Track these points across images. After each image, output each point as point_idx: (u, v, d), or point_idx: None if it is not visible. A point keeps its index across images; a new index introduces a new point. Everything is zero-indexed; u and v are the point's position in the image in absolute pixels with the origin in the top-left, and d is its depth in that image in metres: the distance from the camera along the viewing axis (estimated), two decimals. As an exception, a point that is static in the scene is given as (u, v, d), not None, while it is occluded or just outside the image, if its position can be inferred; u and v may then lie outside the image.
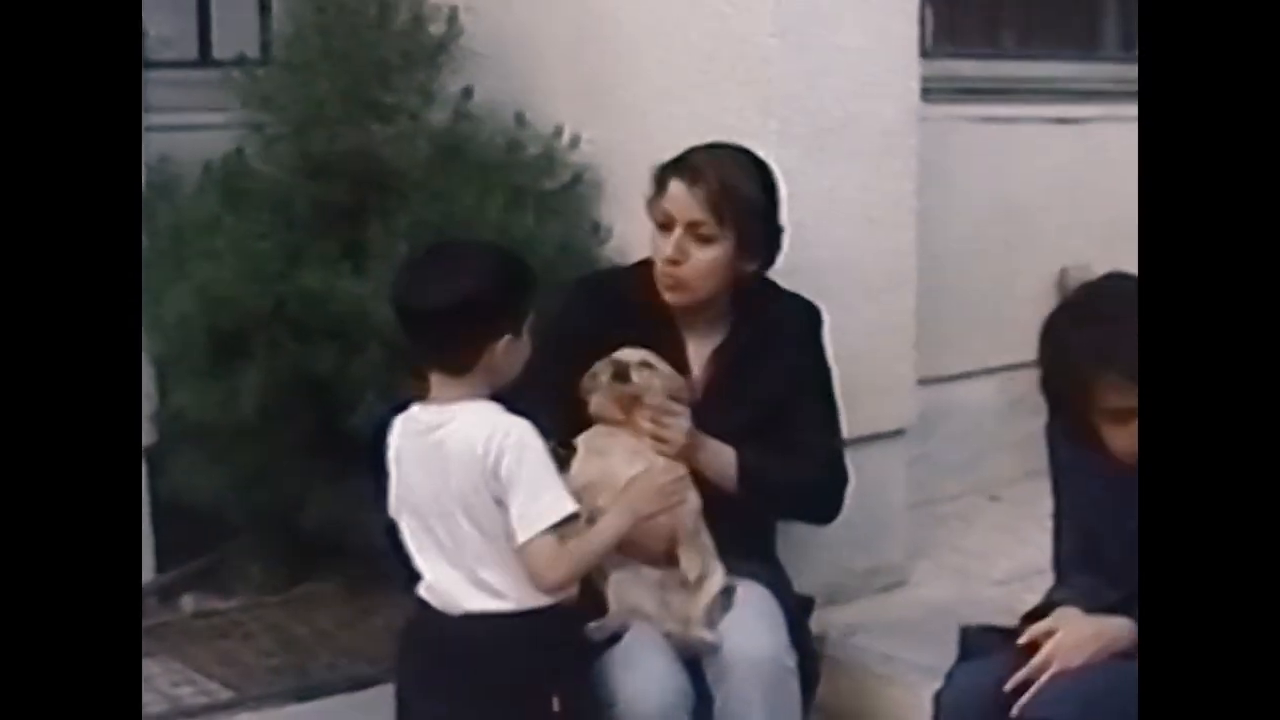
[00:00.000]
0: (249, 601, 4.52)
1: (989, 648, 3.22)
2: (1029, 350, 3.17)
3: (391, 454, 3.13)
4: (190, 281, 4.14)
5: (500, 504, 3.01)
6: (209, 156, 4.48)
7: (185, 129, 4.52)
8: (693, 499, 3.41)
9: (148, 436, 4.43)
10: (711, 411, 3.57)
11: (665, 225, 3.63)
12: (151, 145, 4.22)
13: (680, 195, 3.61)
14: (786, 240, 3.76)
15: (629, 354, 3.46)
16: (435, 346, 3.07)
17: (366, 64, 4.35)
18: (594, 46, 4.47)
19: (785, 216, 3.77)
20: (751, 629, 3.41)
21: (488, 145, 4.45)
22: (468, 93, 4.49)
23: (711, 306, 3.70)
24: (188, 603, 4.53)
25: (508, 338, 3.05)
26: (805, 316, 3.80)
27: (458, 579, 3.07)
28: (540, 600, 3.07)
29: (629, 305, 3.68)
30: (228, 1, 4.94)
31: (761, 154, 3.75)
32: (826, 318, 3.81)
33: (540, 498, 3.01)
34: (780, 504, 3.70)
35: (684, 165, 3.64)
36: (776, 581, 3.63)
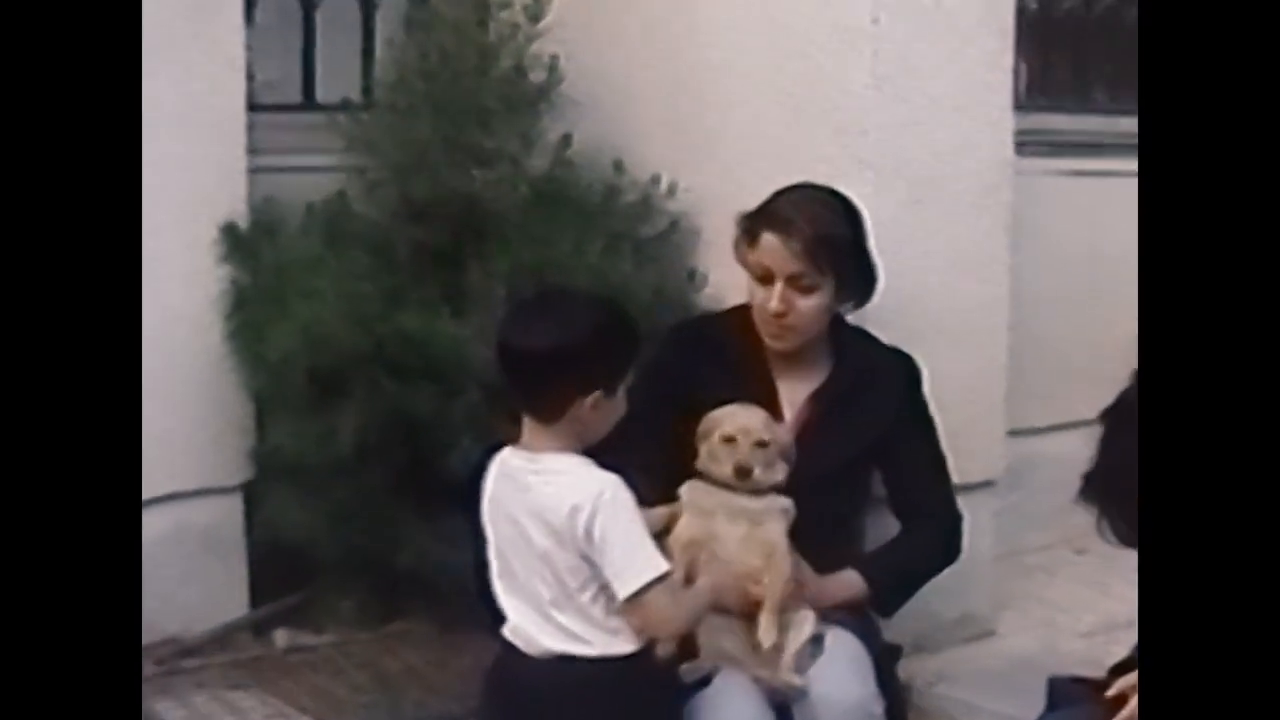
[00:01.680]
0: (341, 638, 4.54)
1: (1076, 698, 3.22)
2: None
3: (486, 495, 3.15)
4: (292, 321, 4.19)
5: (586, 560, 3.00)
6: (312, 198, 4.53)
7: (289, 170, 4.57)
8: (783, 567, 3.44)
9: (245, 473, 4.52)
10: (808, 454, 3.59)
11: (764, 278, 3.68)
12: (257, 187, 4.45)
13: (776, 248, 3.65)
14: (884, 290, 3.81)
15: (748, 423, 3.50)
16: (526, 391, 3.06)
17: (468, 109, 4.40)
18: (690, 94, 4.51)
19: (880, 267, 3.79)
20: (840, 676, 3.44)
21: (586, 191, 4.50)
22: (567, 140, 4.54)
23: (808, 350, 3.75)
24: (281, 637, 4.56)
25: (598, 394, 3.03)
26: (904, 365, 3.85)
27: (538, 621, 3.07)
28: (624, 647, 3.07)
29: (723, 350, 3.74)
30: (332, 46, 4.97)
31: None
32: (925, 369, 3.83)
33: (636, 556, 3.01)
34: (916, 582, 3.80)
35: (775, 216, 3.68)
36: (865, 629, 3.66)
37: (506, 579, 3.12)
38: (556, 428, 3.04)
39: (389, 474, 4.32)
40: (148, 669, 4.17)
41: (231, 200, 4.45)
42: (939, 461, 3.86)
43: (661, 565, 3.03)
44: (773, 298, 3.65)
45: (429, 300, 4.26)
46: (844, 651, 3.51)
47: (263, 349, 4.27)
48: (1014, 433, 4.66)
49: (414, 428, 4.23)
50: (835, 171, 4.09)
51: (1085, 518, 5.22)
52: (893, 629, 3.83)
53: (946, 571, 4.10)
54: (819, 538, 3.57)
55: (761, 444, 3.47)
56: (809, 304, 3.67)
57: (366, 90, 4.86)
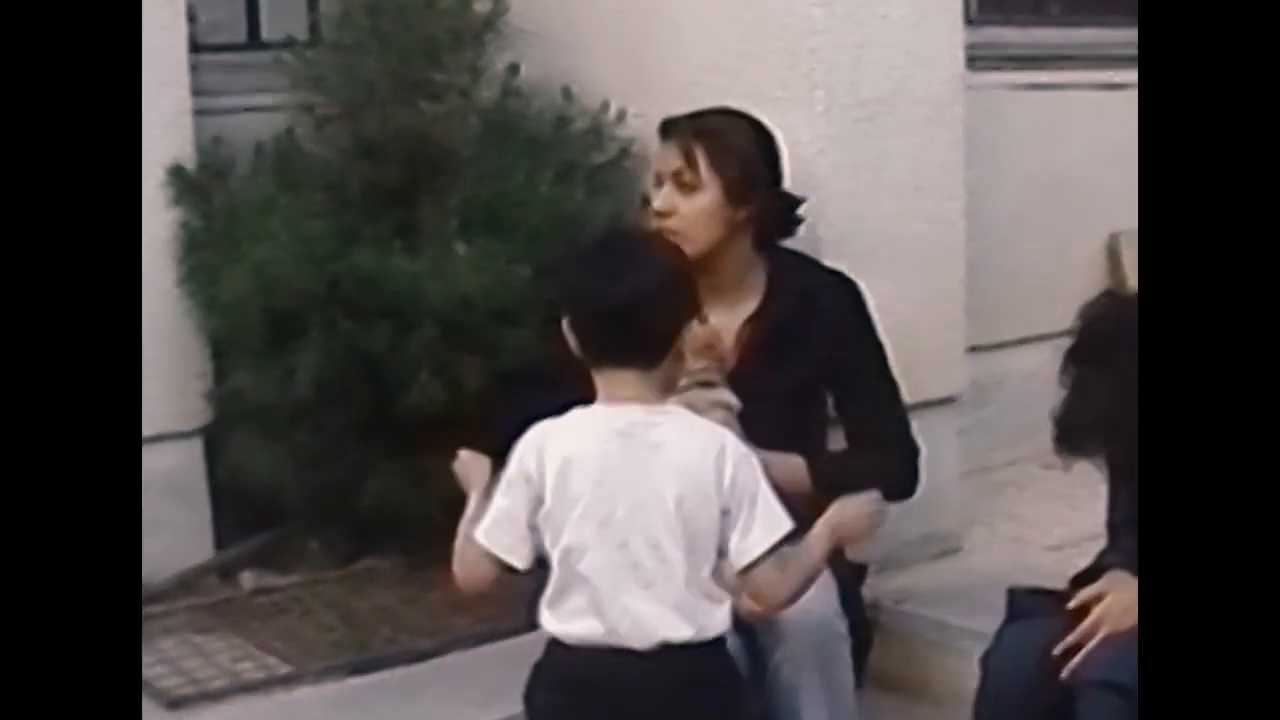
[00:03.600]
0: (308, 578, 4.54)
1: (1037, 610, 3.24)
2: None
3: (558, 465, 2.84)
4: (245, 262, 4.16)
5: (726, 515, 2.81)
6: (261, 139, 4.50)
7: (236, 111, 4.55)
8: None
9: (205, 417, 4.51)
10: (749, 382, 3.56)
11: (658, 184, 3.71)
12: (204, 128, 4.43)
13: (663, 150, 3.72)
14: (838, 212, 3.83)
15: None
16: (631, 341, 2.85)
17: (415, 43, 4.36)
18: (638, 20, 4.49)
19: (833, 187, 3.86)
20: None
21: (536, 121, 4.47)
22: (514, 69, 4.51)
23: (730, 274, 3.72)
24: (247, 580, 4.56)
25: (692, 322, 2.96)
26: (845, 289, 3.81)
27: (654, 604, 2.81)
28: (720, 627, 2.88)
29: None
30: (277, -16, 4.93)
31: (809, 126, 3.86)
32: (868, 292, 3.81)
33: (771, 510, 2.83)
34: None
35: (668, 123, 3.75)
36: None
37: (615, 555, 2.81)
38: (654, 374, 2.88)
39: (350, 413, 4.31)
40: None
41: (179, 143, 4.42)
42: (890, 389, 3.82)
43: (788, 523, 2.85)
44: (657, 198, 3.68)
45: (382, 237, 4.24)
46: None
47: (216, 292, 4.25)
48: (976, 349, 4.67)
49: (373, 366, 4.21)
50: (785, 93, 4.10)
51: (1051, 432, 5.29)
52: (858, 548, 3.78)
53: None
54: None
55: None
56: (691, 205, 3.65)
57: (313, 27, 4.82)
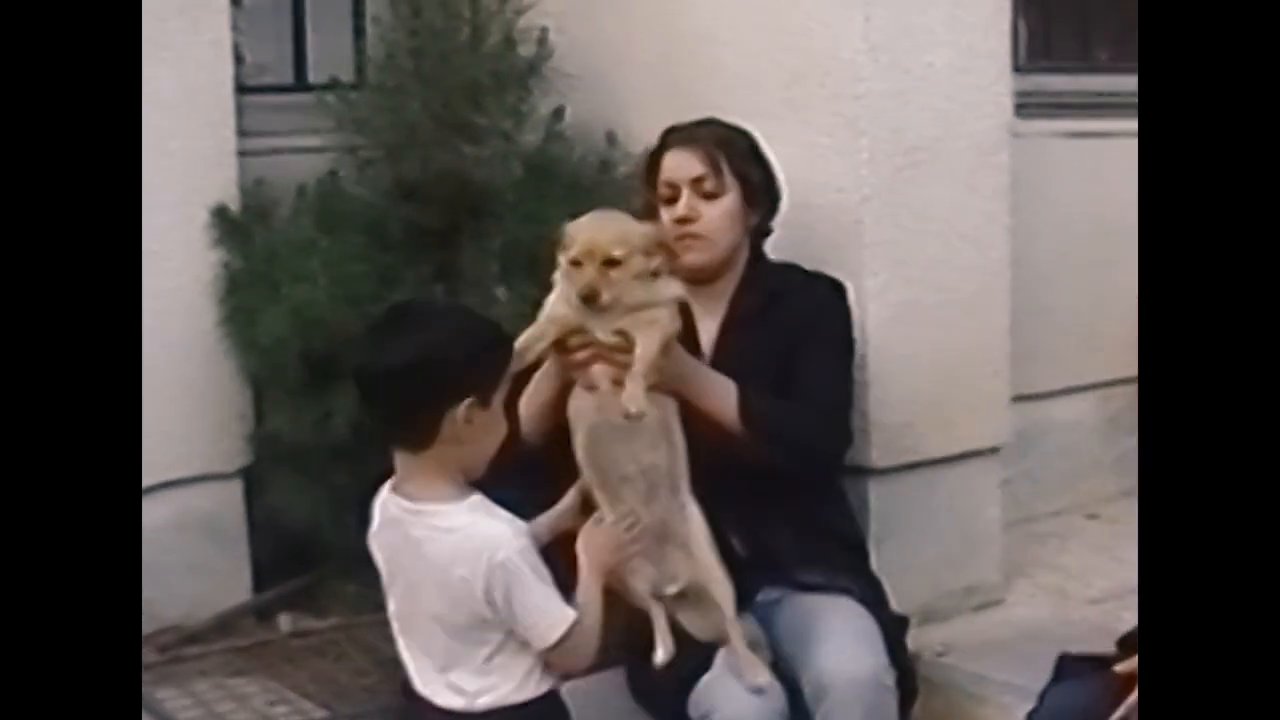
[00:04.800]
0: (344, 621, 4.53)
1: (1083, 672, 3.19)
2: (1126, 367, 3.12)
3: (375, 538, 3.02)
4: (285, 304, 4.17)
5: (486, 622, 2.89)
6: (303, 180, 4.52)
7: (280, 153, 4.57)
8: (655, 335, 3.23)
9: (244, 458, 4.51)
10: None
11: (671, 198, 3.68)
12: (247, 169, 4.45)
13: (679, 158, 3.69)
14: (881, 260, 3.81)
15: (595, 238, 3.23)
16: (393, 415, 2.89)
17: (458, 86, 4.38)
18: (682, 66, 4.47)
19: (877, 235, 3.83)
20: (850, 648, 3.40)
21: (579, 165, 4.48)
22: (559, 113, 4.52)
23: (732, 278, 3.72)
24: (284, 622, 4.57)
25: (470, 402, 2.84)
26: (823, 286, 3.79)
27: (434, 679, 2.98)
28: (533, 691, 2.97)
29: None
30: (323, 27, 4.97)
31: (853, 173, 3.86)
32: (852, 298, 3.78)
33: (547, 611, 2.89)
34: (779, 445, 3.49)
35: (673, 133, 3.75)
36: (873, 598, 3.63)
37: (407, 632, 3.01)
38: (432, 455, 2.87)
39: (388, 455, 4.20)
40: (150, 657, 4.19)
41: (223, 184, 4.45)
42: (841, 376, 3.71)
43: (569, 615, 2.91)
44: (679, 206, 3.65)
45: (422, 279, 4.25)
46: (852, 624, 3.48)
47: (256, 333, 4.27)
48: (1021, 399, 4.62)
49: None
50: (830, 140, 4.08)
51: (1096, 482, 5.23)
52: (901, 598, 3.78)
53: (955, 540, 4.20)
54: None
55: (612, 262, 3.20)
56: (715, 210, 3.67)
57: (358, 70, 4.83)
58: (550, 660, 2.94)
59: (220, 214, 4.42)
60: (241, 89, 4.57)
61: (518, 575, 2.85)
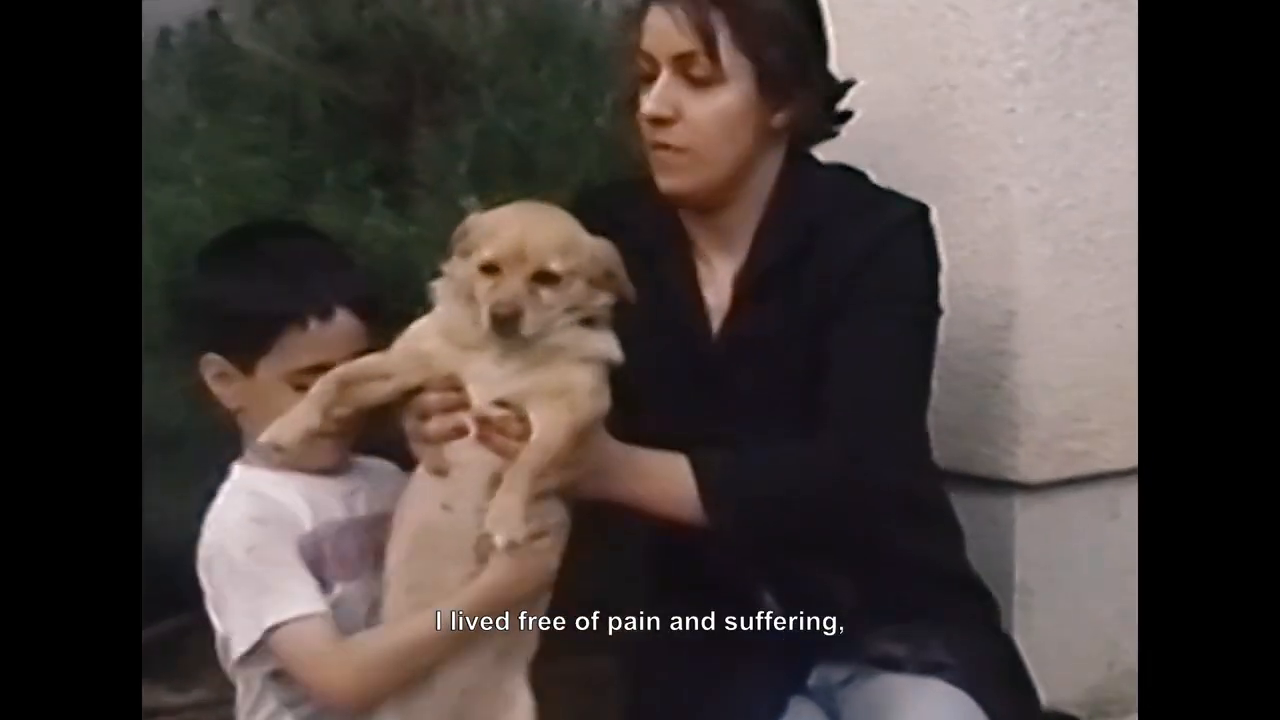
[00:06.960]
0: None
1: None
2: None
3: None
4: (145, 211, 3.22)
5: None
6: (169, 23, 3.75)
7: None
8: (564, 420, 2.61)
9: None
10: (732, 369, 2.83)
11: (649, 77, 2.84)
12: None
13: (660, 24, 2.81)
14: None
15: (525, 240, 2.62)
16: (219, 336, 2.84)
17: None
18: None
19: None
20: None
21: (592, 18, 3.65)
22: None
23: (749, 208, 2.89)
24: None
25: (216, 360, 2.79)
26: (887, 213, 2.87)
27: None
28: None
29: (635, 227, 2.85)
30: None
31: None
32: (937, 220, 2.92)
33: (259, 600, 2.69)
34: (769, 505, 2.72)
35: None
36: (987, 677, 2.73)
37: None
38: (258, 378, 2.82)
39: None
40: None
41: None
42: (886, 372, 2.81)
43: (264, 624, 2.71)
44: (650, 98, 2.80)
45: (354, 184, 3.43)
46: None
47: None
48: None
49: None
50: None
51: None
52: (1057, 685, 3.03)
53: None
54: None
55: (546, 276, 2.60)
56: (706, 108, 2.77)
57: None
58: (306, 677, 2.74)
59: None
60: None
61: (215, 563, 2.76)
